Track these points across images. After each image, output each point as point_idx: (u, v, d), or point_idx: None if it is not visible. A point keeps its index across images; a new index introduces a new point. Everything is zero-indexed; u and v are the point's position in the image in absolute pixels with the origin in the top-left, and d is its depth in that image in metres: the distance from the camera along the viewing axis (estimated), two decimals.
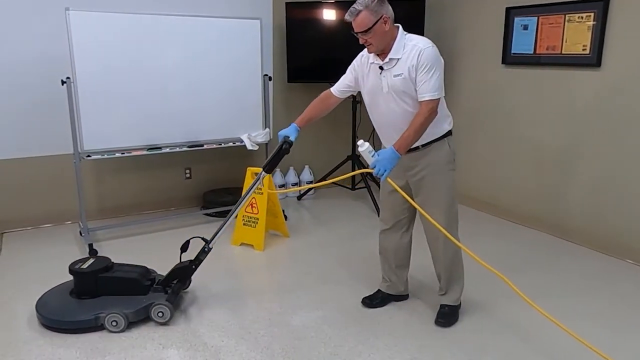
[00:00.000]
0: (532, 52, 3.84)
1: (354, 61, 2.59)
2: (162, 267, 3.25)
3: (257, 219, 3.54)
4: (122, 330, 2.49)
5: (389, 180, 2.31)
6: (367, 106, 2.57)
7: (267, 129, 4.16)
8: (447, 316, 2.60)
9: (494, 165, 4.29)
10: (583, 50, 3.47)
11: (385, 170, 2.25)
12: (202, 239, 2.71)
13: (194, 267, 2.70)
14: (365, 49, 2.46)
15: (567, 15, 3.56)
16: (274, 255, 3.50)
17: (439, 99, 2.30)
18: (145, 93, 3.60)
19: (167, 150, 3.78)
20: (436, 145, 2.43)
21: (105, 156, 3.57)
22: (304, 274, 3.17)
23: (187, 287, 2.84)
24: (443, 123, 2.44)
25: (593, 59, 3.41)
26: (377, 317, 2.67)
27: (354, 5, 2.30)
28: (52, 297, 2.65)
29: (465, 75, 4.44)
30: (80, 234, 3.66)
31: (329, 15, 4.40)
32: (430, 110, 2.27)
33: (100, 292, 2.60)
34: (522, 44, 3.92)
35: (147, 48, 3.56)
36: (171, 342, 2.41)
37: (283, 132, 2.61)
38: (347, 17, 2.33)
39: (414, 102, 2.33)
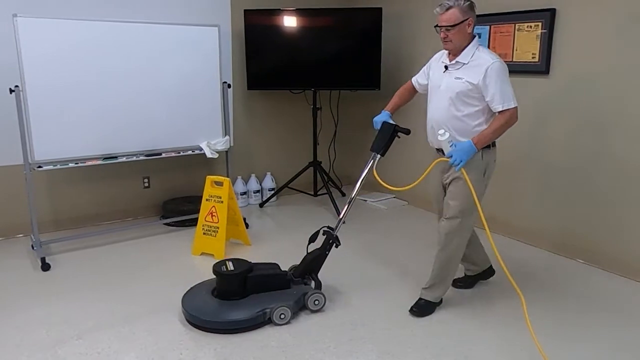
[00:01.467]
0: None
1: (433, 56, 2.79)
2: (123, 279, 3.19)
3: (218, 227, 3.51)
4: (288, 322, 2.63)
5: (463, 170, 2.47)
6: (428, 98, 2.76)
7: (227, 137, 4.13)
8: (422, 308, 2.75)
9: None
10: (532, 58, 3.61)
11: (461, 161, 2.44)
12: (329, 227, 2.85)
13: (327, 252, 2.82)
14: (439, 52, 2.71)
15: (516, 25, 3.70)
16: None
17: (514, 107, 2.46)
18: (100, 101, 3.52)
19: (124, 159, 3.70)
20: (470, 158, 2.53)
21: (58, 167, 3.46)
22: None
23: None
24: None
25: (542, 67, 3.55)
26: (351, 319, 2.68)
27: (446, 1, 2.45)
28: (198, 302, 2.69)
29: None
30: (32, 247, 3.53)
31: (288, 22, 4.42)
32: (506, 118, 2.46)
33: (250, 291, 2.69)
34: None
35: (102, 55, 3.48)
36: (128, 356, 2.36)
37: (379, 118, 2.83)
38: (437, 9, 2.48)
39: (465, 108, 2.52)
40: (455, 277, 3.01)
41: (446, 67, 2.60)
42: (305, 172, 4.76)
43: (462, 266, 3.03)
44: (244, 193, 4.78)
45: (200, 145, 3.99)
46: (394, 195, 5.00)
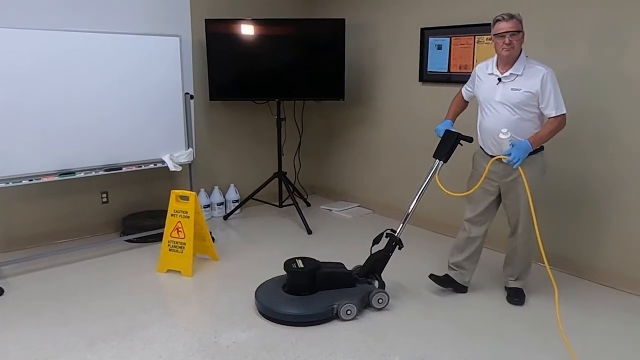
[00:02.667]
0: (446, 70, 4.06)
1: (476, 68, 2.99)
2: (85, 301, 3.05)
3: (184, 243, 3.41)
4: (354, 318, 2.80)
5: (520, 169, 2.65)
6: (479, 108, 2.94)
7: (190, 149, 4.03)
8: (520, 295, 3.05)
9: (414, 177, 4.46)
10: None
11: (519, 159, 2.62)
12: (391, 230, 2.97)
13: (390, 254, 2.95)
14: (482, 63, 2.93)
15: (476, 37, 3.81)
16: (203, 280, 3.37)
17: (564, 113, 2.69)
18: (55, 114, 3.35)
19: (82, 174, 3.54)
20: (534, 157, 2.75)
21: (10, 184, 3.27)
22: (236, 299, 3.08)
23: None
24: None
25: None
26: (322, 332, 2.66)
27: (506, 13, 2.69)
28: (273, 296, 2.89)
29: (386, 92, 4.60)
30: None
31: (251, 32, 4.38)
32: (559, 122, 2.69)
33: (318, 288, 2.87)
34: (436, 63, 4.13)
35: (57, 66, 3.32)
36: None
37: (442, 127, 2.99)
38: (502, 16, 2.69)
39: (525, 115, 2.72)
40: (434, 273, 3.19)
41: (500, 80, 2.77)
42: (270, 183, 4.71)
43: (446, 264, 3.21)
44: (208, 206, 4.67)
45: (163, 159, 3.87)
46: (358, 204, 5.03)
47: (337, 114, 5.13)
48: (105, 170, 3.64)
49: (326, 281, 2.89)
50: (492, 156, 2.82)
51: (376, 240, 2.97)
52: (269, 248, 3.95)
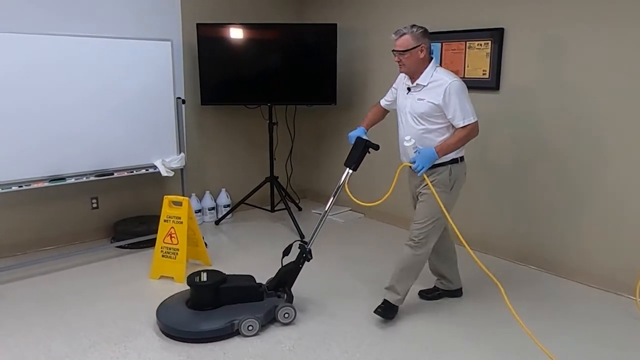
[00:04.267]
0: None
1: (397, 78, 2.92)
2: (76, 309, 3.01)
3: (177, 249, 3.38)
4: (257, 334, 2.66)
5: (425, 176, 2.66)
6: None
7: (182, 154, 4.00)
8: (388, 309, 2.82)
9: (405, 181, 4.48)
10: (483, 74, 3.76)
11: (423, 167, 2.61)
12: (302, 240, 2.89)
13: (300, 266, 2.83)
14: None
15: (467, 42, 3.84)
16: None
17: (475, 121, 2.63)
18: (45, 118, 3.31)
19: (73, 180, 3.50)
20: (440, 169, 2.72)
21: (0, 190, 3.22)
22: None
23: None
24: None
25: (492, 83, 3.70)
26: (323, 330, 2.65)
27: (401, 28, 2.65)
28: (174, 313, 2.74)
29: (377, 96, 4.58)
30: None
31: (242, 36, 4.37)
32: (467, 131, 2.62)
33: (223, 302, 2.74)
34: None
35: (48, 71, 3.28)
36: None
37: (354, 134, 2.87)
38: (392, 35, 2.68)
39: (431, 126, 2.67)
40: (423, 288, 3.11)
41: (409, 89, 2.76)
42: (262, 188, 4.70)
43: (433, 277, 3.16)
44: (199, 211, 4.64)
45: (155, 164, 3.84)
46: (349, 208, 5.03)
47: (329, 118, 5.13)
48: (97, 176, 3.60)
49: (230, 295, 2.76)
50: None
51: (286, 252, 2.86)
52: (262, 253, 3.94)
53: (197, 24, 4.29)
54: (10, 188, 3.25)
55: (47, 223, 3.95)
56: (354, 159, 2.83)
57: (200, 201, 4.70)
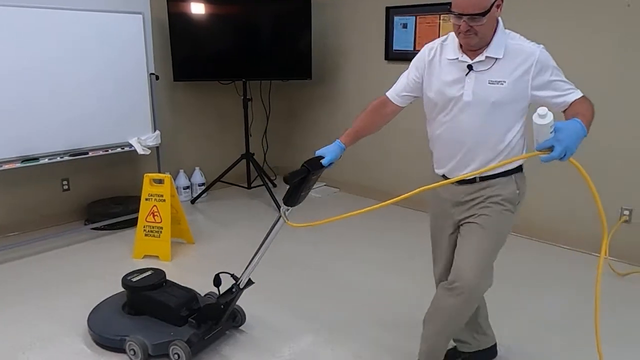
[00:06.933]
0: (412, 49, 4.14)
1: (417, 56, 1.92)
2: (55, 293, 2.92)
3: (161, 227, 3.32)
4: None
5: (572, 159, 1.55)
6: (427, 114, 1.94)
7: (158, 132, 3.91)
8: None
9: (387, 157, 4.56)
10: None
11: (571, 151, 1.50)
12: (232, 276, 2.28)
13: (222, 306, 2.27)
14: (432, 42, 1.88)
15: (441, 16, 3.91)
16: (183, 264, 3.32)
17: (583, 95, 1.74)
18: (14, 97, 3.16)
19: (47, 160, 3.35)
20: (501, 180, 1.84)
21: None
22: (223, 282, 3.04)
23: (240, 323, 2.51)
24: (517, 154, 1.83)
25: None
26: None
27: None
28: (104, 307, 2.48)
29: (351, 71, 4.64)
30: None
31: (215, 10, 4.26)
32: (591, 104, 1.70)
33: (144, 311, 2.38)
34: (402, 42, 4.21)
35: (15, 46, 3.11)
36: None
37: (320, 152, 1.96)
38: None
39: (506, 120, 1.77)
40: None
41: (470, 68, 1.76)
42: (237, 166, 4.66)
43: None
44: None
45: (130, 142, 3.73)
46: (324, 184, 5.07)
47: (303, 94, 5.11)
48: (71, 156, 3.47)
49: (151, 307, 2.37)
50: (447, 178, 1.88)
51: (216, 282, 2.27)
52: (243, 230, 3.93)
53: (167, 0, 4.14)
54: None
55: (16, 207, 3.78)
56: (289, 195, 2.08)
57: (175, 180, 4.60)
